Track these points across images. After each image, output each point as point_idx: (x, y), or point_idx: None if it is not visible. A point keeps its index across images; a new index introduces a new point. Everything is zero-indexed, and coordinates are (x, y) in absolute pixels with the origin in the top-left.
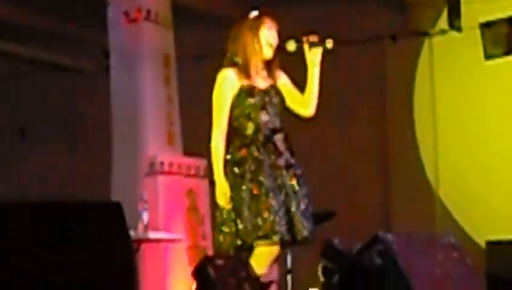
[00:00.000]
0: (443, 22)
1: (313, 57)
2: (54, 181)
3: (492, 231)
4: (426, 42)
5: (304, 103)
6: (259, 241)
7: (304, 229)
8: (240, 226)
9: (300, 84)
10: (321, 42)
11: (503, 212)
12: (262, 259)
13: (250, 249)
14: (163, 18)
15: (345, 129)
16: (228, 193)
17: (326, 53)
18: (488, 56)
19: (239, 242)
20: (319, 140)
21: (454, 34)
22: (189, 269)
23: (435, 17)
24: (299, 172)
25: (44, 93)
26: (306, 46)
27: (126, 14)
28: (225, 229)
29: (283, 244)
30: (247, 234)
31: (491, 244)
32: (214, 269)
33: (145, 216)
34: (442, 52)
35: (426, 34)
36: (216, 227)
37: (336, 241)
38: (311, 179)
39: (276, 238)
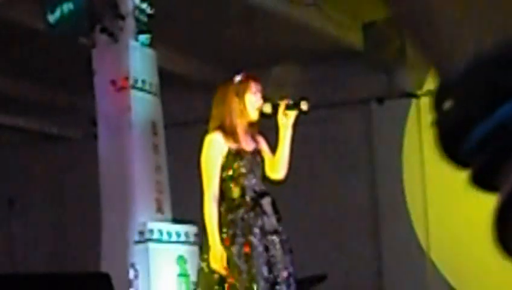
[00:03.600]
0: (430, 83)
1: (286, 120)
2: (43, 251)
3: None
4: (414, 103)
5: (275, 166)
6: None
7: None
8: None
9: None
10: (296, 105)
11: (496, 273)
12: None
13: None
14: (150, 85)
15: (334, 190)
16: (225, 257)
17: (301, 115)
18: None
19: None
20: (308, 201)
21: None
22: None
23: (422, 79)
24: (284, 238)
25: (32, 163)
26: (281, 109)
27: (113, 82)
28: None
29: None
30: None
31: None
32: None
33: (136, 284)
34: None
35: (413, 95)
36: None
37: None
38: (301, 240)
39: None
